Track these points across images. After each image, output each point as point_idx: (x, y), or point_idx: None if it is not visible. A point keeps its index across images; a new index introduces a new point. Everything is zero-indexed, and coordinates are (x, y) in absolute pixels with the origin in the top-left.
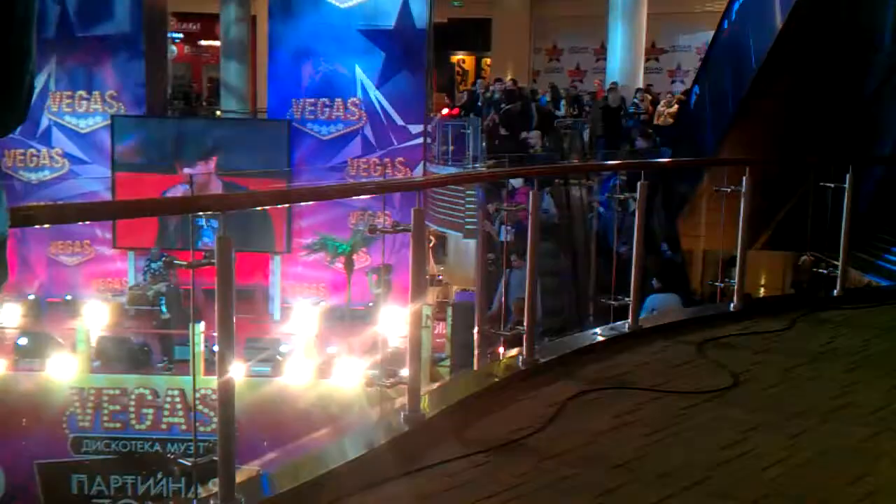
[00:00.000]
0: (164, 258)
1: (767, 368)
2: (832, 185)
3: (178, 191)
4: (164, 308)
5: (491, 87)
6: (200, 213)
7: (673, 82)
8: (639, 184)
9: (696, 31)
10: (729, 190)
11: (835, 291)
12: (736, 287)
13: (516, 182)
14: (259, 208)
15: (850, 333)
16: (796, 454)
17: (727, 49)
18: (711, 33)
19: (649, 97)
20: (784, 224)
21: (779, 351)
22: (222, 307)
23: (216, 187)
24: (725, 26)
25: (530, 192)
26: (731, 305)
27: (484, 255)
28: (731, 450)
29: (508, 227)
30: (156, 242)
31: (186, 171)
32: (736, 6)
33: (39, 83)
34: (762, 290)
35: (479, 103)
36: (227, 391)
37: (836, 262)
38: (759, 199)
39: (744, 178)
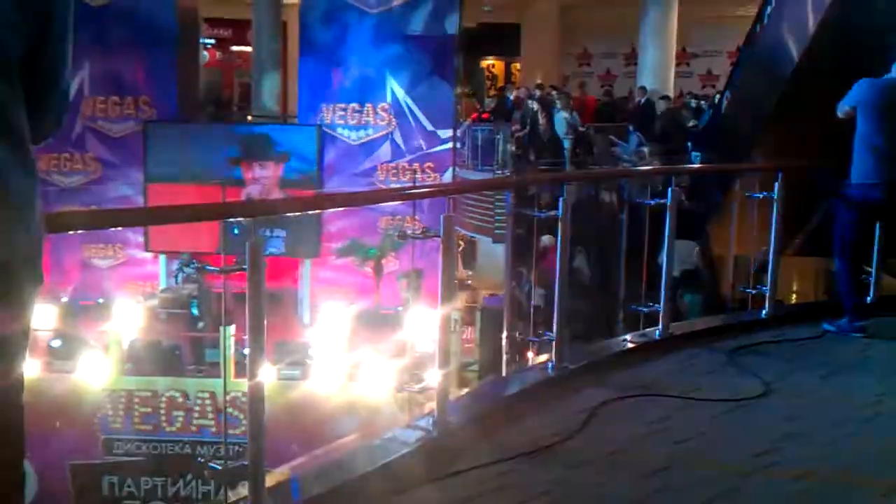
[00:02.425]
0: (193, 264)
1: (799, 377)
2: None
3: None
4: (194, 310)
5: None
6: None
7: (704, 87)
8: (670, 189)
9: (728, 36)
10: (761, 195)
11: (868, 298)
12: (768, 293)
13: (547, 241)
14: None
15: (883, 342)
16: (828, 463)
17: (759, 54)
18: (742, 37)
19: None
20: (817, 229)
21: (811, 359)
22: (253, 311)
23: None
24: (757, 31)
25: (561, 200)
26: (763, 312)
27: (513, 260)
28: (762, 458)
29: (540, 292)
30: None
31: (255, 172)
32: (767, 10)
33: (73, 88)
34: (794, 296)
35: (510, 106)
36: (257, 394)
37: (869, 269)
38: (792, 204)
39: (776, 184)
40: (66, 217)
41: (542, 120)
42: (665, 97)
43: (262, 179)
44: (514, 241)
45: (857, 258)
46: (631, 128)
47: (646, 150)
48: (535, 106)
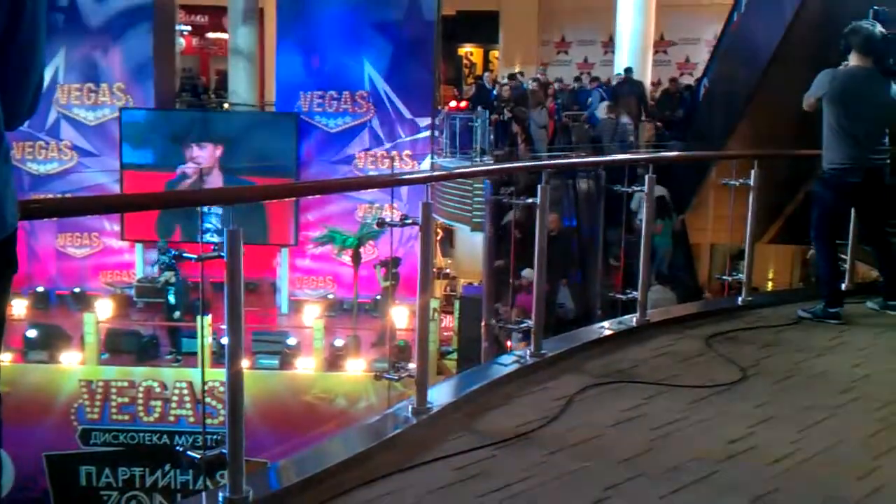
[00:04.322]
0: (170, 252)
1: (775, 362)
2: None
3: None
4: (171, 297)
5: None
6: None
7: (682, 75)
8: (647, 177)
9: (705, 24)
10: (737, 183)
11: (843, 285)
12: (744, 281)
13: (528, 274)
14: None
15: (858, 328)
16: (804, 448)
17: (736, 41)
18: (720, 25)
19: None
20: (793, 218)
21: (787, 345)
22: (231, 300)
23: (217, 177)
24: (735, 18)
25: (539, 187)
26: (739, 299)
27: (492, 250)
28: (738, 444)
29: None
30: (156, 232)
31: (193, 153)
32: None
33: (48, 76)
34: (770, 283)
35: (492, 98)
36: (236, 384)
37: (844, 256)
38: (768, 193)
39: (752, 172)
40: (40, 204)
41: (520, 142)
42: (627, 70)
43: (199, 158)
44: (493, 274)
45: (835, 242)
46: (595, 87)
47: (606, 104)
48: (515, 128)
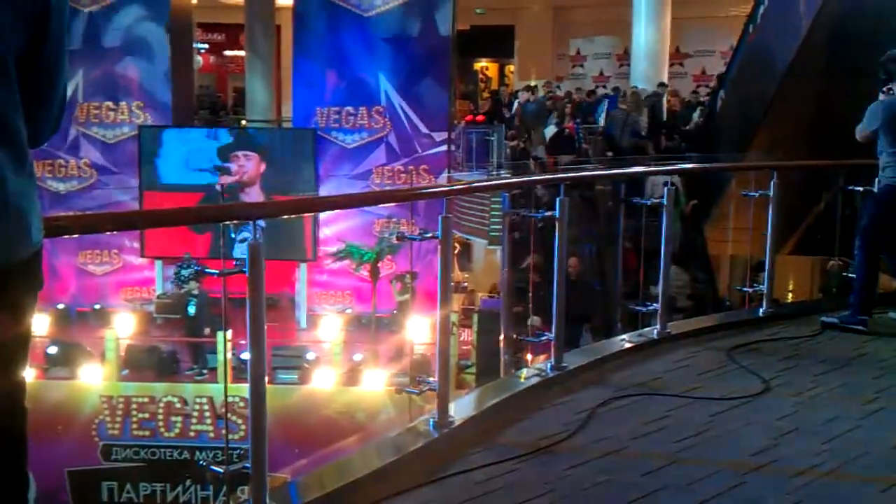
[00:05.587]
0: (193, 265)
1: (798, 374)
2: (861, 189)
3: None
4: (191, 310)
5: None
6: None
7: (698, 87)
8: (665, 189)
9: (721, 36)
10: (756, 195)
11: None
12: (765, 292)
13: (534, 321)
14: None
15: (880, 338)
16: (828, 460)
17: (752, 53)
18: (736, 37)
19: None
20: (813, 228)
21: (809, 356)
22: (253, 315)
23: (257, 192)
24: (750, 31)
25: (558, 200)
26: (760, 311)
27: (510, 261)
28: (762, 456)
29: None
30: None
31: (240, 161)
32: (760, 10)
33: (68, 94)
34: (790, 295)
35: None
36: (259, 398)
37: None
38: (787, 204)
39: (772, 183)
40: (61, 221)
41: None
42: (661, 84)
43: (245, 167)
44: (511, 318)
45: (878, 253)
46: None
47: (619, 112)
48: (532, 164)
